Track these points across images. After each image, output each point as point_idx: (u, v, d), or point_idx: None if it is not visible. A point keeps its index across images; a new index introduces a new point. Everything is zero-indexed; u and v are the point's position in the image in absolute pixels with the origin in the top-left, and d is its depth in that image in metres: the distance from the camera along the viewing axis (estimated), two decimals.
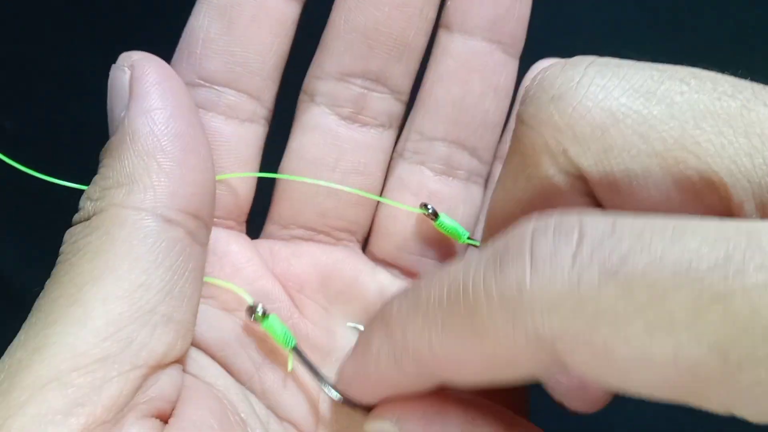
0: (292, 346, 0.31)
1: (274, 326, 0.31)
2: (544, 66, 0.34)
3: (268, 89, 0.34)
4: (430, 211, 0.35)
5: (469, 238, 0.35)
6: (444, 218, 0.35)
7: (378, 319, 0.28)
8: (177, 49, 0.34)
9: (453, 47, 0.35)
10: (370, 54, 0.34)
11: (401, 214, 0.35)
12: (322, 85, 0.34)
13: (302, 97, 0.35)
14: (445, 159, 0.36)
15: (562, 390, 0.30)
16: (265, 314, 0.31)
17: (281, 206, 0.35)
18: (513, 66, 0.36)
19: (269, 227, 0.36)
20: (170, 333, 0.27)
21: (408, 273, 0.36)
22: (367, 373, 0.28)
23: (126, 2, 0.49)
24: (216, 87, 0.33)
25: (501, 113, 0.36)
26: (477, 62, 0.35)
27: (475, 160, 0.36)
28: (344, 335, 0.34)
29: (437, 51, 0.35)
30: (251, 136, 0.34)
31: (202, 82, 0.33)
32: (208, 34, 0.33)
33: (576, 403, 0.31)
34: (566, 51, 0.34)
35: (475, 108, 0.35)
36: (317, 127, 0.35)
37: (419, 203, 0.35)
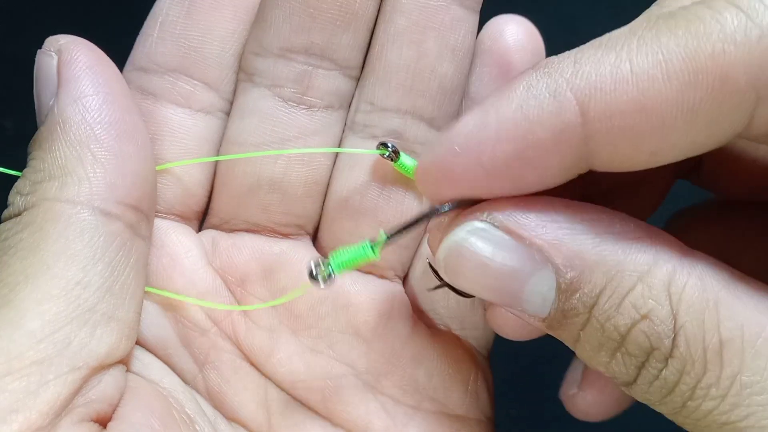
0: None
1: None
2: (501, 23, 0.32)
3: (227, 79, 0.32)
4: (391, 149, 0.31)
5: None
6: (405, 158, 0.31)
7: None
8: (139, 34, 0.32)
9: (404, 2, 0.31)
10: (313, 24, 0.30)
11: (353, 195, 0.32)
12: (261, 62, 0.31)
13: (240, 76, 0.32)
14: (400, 131, 0.32)
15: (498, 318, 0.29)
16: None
17: (220, 201, 0.32)
18: (472, 21, 0.32)
19: (210, 222, 0.33)
20: (113, 333, 0.26)
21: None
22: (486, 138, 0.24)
23: (127, 3, 0.49)
24: (170, 74, 0.31)
25: (460, 77, 0.32)
26: (431, 19, 0.31)
27: (433, 131, 0.32)
28: (287, 338, 0.32)
29: (386, 7, 0.31)
30: (203, 127, 0.32)
31: (156, 68, 0.31)
32: (167, 18, 0.31)
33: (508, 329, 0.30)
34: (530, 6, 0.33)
35: (431, 72, 0.31)
36: (256, 111, 0.31)
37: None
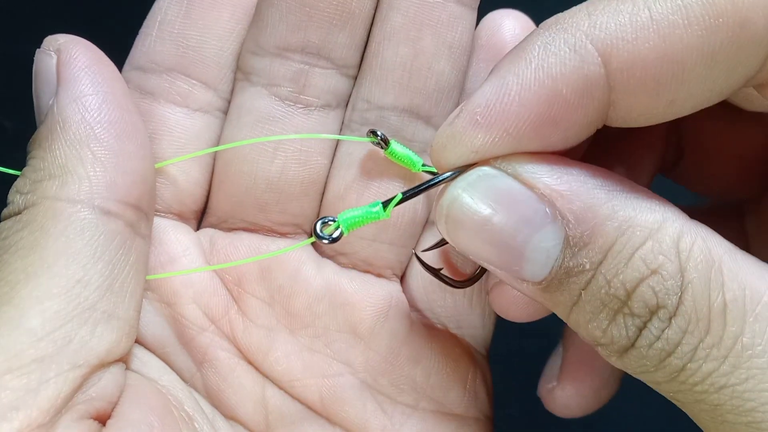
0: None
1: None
2: (498, 17, 0.32)
3: (225, 79, 0.32)
4: (380, 137, 0.31)
5: (424, 165, 0.31)
6: (395, 146, 0.31)
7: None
8: (139, 33, 0.32)
9: (400, 0, 0.31)
10: (309, 23, 0.30)
11: (350, 194, 0.32)
12: (258, 61, 0.31)
13: (237, 75, 0.32)
14: (397, 130, 0.32)
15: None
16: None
17: (218, 200, 0.33)
18: (470, 19, 0.32)
19: (208, 221, 0.33)
20: (113, 331, 0.26)
21: (361, 262, 0.33)
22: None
23: (127, 2, 0.49)
24: (168, 74, 0.31)
25: (458, 74, 0.32)
26: (428, 16, 0.31)
27: (431, 129, 0.32)
28: (284, 337, 0.32)
29: (383, 5, 0.31)
30: (200, 126, 0.32)
31: (154, 67, 0.31)
32: (166, 17, 0.31)
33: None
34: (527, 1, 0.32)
35: (428, 70, 0.31)
36: (253, 110, 0.31)
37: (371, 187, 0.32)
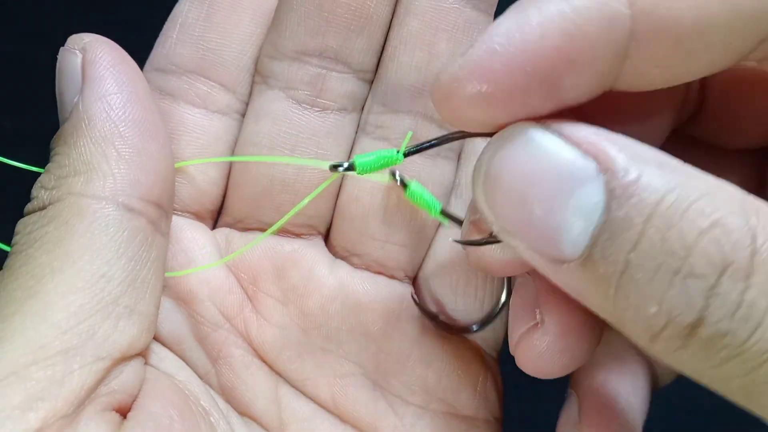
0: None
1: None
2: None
3: (244, 81, 0.32)
4: (399, 180, 0.31)
5: (442, 212, 0.31)
6: (416, 187, 0.31)
7: None
8: (159, 35, 0.32)
9: (417, 5, 0.31)
10: (327, 28, 0.31)
11: (364, 196, 0.33)
12: (276, 65, 0.32)
13: (256, 78, 0.33)
14: (413, 133, 0.32)
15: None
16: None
17: (234, 200, 0.33)
18: (486, 24, 0.32)
19: (224, 220, 0.34)
20: (134, 325, 0.27)
21: (373, 263, 0.33)
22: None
23: (128, 1, 0.49)
24: (187, 75, 0.32)
25: None
26: (444, 21, 0.31)
27: (445, 132, 0.32)
28: (297, 336, 0.32)
29: (399, 10, 0.32)
30: (218, 128, 0.32)
31: (174, 69, 0.32)
32: (186, 20, 0.32)
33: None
34: None
35: None
36: (270, 113, 0.32)
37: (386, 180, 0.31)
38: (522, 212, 0.22)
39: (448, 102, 0.23)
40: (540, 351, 0.27)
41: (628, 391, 0.31)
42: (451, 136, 0.27)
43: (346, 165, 0.30)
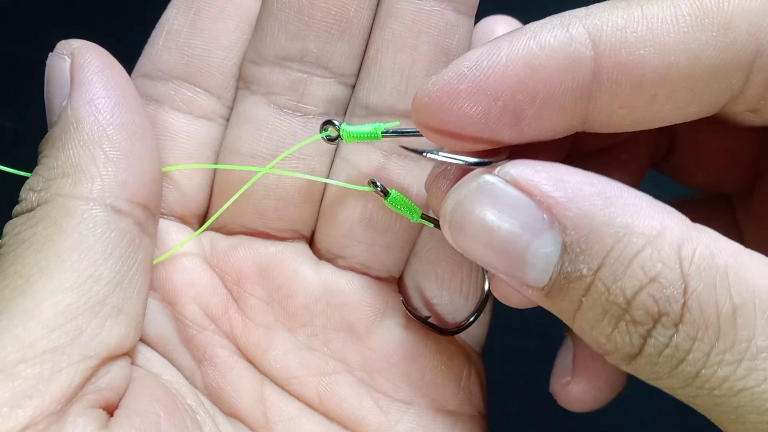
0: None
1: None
2: (492, 23, 0.33)
3: (229, 87, 0.33)
4: (379, 188, 0.31)
5: (422, 216, 0.32)
6: (395, 195, 0.31)
7: None
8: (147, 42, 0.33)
9: (398, 7, 0.31)
10: (308, 33, 0.31)
11: (348, 199, 0.33)
12: (258, 70, 0.32)
13: (239, 83, 0.33)
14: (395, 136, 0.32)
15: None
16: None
17: (216, 206, 0.33)
18: (467, 26, 0.32)
19: (210, 225, 0.34)
20: (121, 325, 0.27)
21: (359, 265, 0.33)
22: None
23: (126, 3, 0.49)
24: (173, 81, 0.32)
25: None
26: (425, 24, 0.31)
27: None
28: (282, 335, 0.33)
29: (381, 12, 0.32)
30: (203, 133, 0.32)
31: (160, 74, 0.32)
32: (173, 26, 0.32)
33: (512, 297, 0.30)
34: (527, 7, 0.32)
35: (426, 76, 0.32)
36: (252, 118, 0.32)
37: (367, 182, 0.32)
38: (487, 253, 0.24)
39: (422, 115, 0.25)
40: (576, 397, 0.32)
41: None
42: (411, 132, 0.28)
43: (334, 131, 0.31)
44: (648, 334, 0.23)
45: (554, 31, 0.24)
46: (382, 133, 0.30)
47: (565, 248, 0.23)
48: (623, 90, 0.24)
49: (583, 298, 0.23)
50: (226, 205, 0.32)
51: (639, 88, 0.24)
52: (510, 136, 0.25)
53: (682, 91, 0.24)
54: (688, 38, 0.23)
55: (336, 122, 0.31)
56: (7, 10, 0.53)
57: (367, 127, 0.31)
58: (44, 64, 0.30)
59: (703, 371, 0.23)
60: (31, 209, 0.27)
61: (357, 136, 0.31)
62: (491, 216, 0.24)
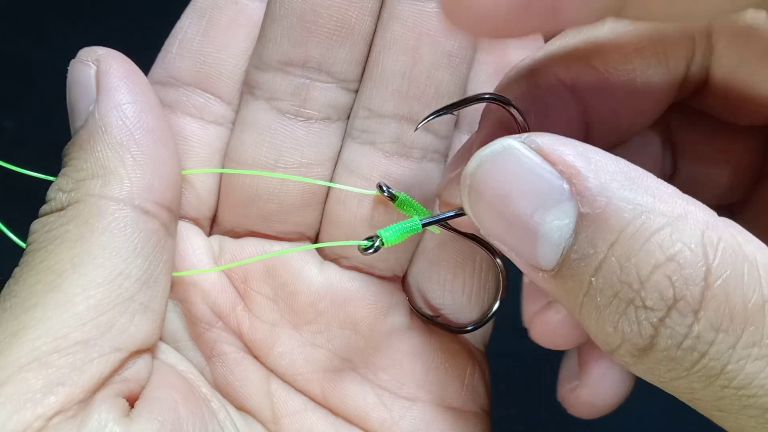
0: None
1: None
2: None
3: (239, 93, 0.33)
4: (386, 193, 0.32)
5: (426, 224, 0.31)
6: (403, 198, 0.32)
7: None
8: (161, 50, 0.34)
9: (400, 10, 0.31)
10: (310, 39, 0.32)
11: (351, 200, 0.33)
12: (261, 76, 0.33)
13: (243, 89, 0.34)
14: (397, 137, 0.32)
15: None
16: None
17: (224, 210, 0.34)
18: None
19: (218, 230, 0.35)
20: (147, 321, 0.28)
21: (362, 265, 0.34)
22: None
23: (127, 3, 0.49)
24: (185, 88, 0.33)
25: (458, 82, 0.33)
26: (427, 26, 0.31)
27: (430, 135, 0.33)
28: (288, 332, 0.33)
29: (383, 15, 0.32)
30: (214, 137, 0.33)
31: (173, 81, 0.33)
32: (186, 35, 0.33)
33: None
34: None
35: (428, 78, 0.32)
36: (254, 123, 0.33)
37: (374, 186, 0.32)
38: (502, 223, 0.24)
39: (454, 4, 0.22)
40: (553, 326, 0.30)
41: None
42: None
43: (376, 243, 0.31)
44: (661, 323, 0.21)
45: None
46: (423, 224, 0.30)
47: (580, 220, 0.22)
48: None
49: (593, 278, 0.22)
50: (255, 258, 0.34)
51: None
52: (545, 20, 0.22)
53: None
54: None
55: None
56: (6, 9, 0.53)
57: (405, 224, 0.30)
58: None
59: (729, 366, 0.21)
60: (62, 208, 0.28)
61: (399, 237, 0.31)
62: (510, 181, 0.23)
